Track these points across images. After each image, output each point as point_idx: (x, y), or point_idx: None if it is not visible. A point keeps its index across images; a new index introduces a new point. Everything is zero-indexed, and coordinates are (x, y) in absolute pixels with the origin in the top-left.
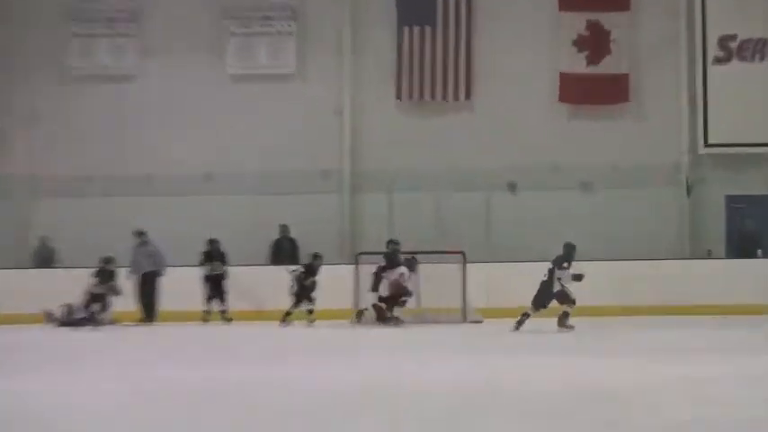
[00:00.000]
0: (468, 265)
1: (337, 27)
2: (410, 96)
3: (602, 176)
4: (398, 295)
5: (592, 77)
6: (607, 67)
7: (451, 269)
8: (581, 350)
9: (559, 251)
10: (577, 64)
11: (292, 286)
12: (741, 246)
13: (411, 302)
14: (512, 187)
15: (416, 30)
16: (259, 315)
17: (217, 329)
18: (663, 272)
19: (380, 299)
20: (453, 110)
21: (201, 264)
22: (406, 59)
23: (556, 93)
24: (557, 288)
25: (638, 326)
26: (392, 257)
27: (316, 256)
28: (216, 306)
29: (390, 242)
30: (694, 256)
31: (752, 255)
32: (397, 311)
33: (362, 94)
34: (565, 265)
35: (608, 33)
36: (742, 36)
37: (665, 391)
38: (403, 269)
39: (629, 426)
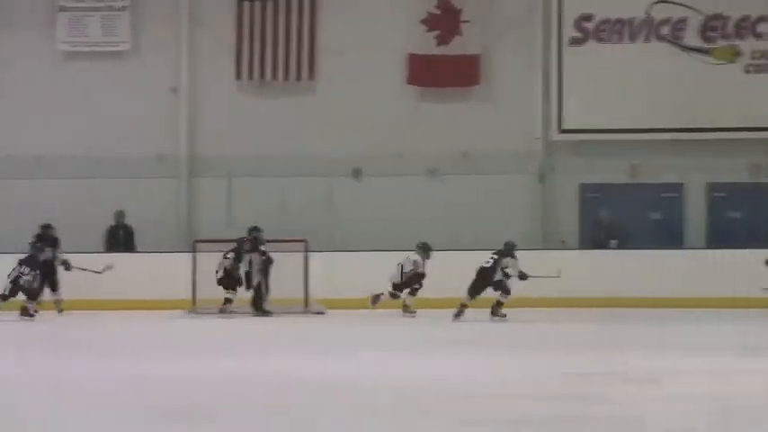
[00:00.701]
0: (310, 253)
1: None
2: (250, 76)
3: (451, 162)
4: (412, 282)
5: (441, 59)
6: (458, 47)
7: (293, 258)
8: (427, 343)
9: (408, 239)
10: (427, 44)
11: (218, 272)
12: (595, 236)
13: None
14: (356, 173)
15: (257, 4)
16: (90, 304)
17: (43, 320)
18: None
19: (395, 286)
20: (296, 91)
21: (31, 249)
22: (247, 36)
23: (404, 74)
24: (498, 277)
25: (485, 318)
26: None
27: (250, 236)
28: (48, 295)
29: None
30: (547, 246)
31: (606, 245)
32: (409, 300)
33: (201, 72)
34: (515, 255)
35: (459, 12)
36: (599, 16)
37: (510, 386)
38: (416, 257)
39: (484, 422)
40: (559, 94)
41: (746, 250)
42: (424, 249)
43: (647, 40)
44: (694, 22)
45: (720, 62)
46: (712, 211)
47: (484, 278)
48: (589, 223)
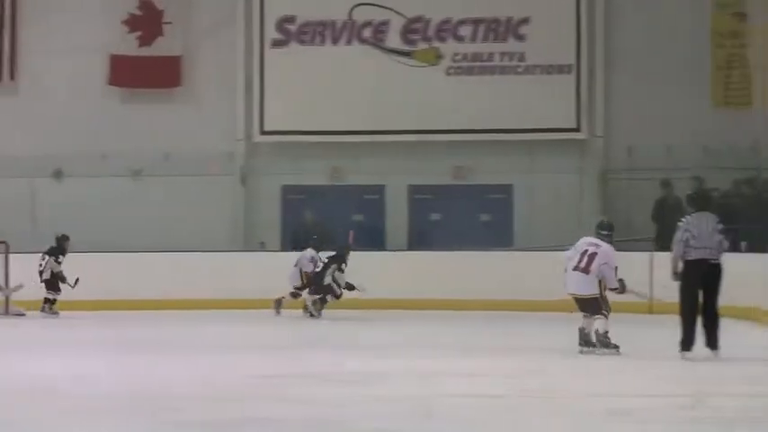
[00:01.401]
0: (11, 255)
1: None
2: None
3: (154, 163)
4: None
5: (143, 60)
6: (160, 48)
7: None
8: (134, 345)
9: (111, 240)
10: (129, 45)
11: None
12: (297, 238)
13: None
14: (57, 174)
15: None
16: None
17: None
18: (216, 263)
19: (297, 287)
20: None
21: None
22: None
23: (107, 75)
24: (327, 281)
25: (191, 319)
26: None
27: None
28: None
29: None
30: (248, 247)
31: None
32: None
33: None
34: (343, 266)
35: (161, 14)
36: (302, 18)
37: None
38: (314, 254)
39: (194, 422)
40: (261, 95)
41: (447, 252)
42: (318, 246)
43: (349, 42)
44: (396, 24)
45: (422, 64)
46: (414, 213)
47: (316, 282)
48: (291, 225)
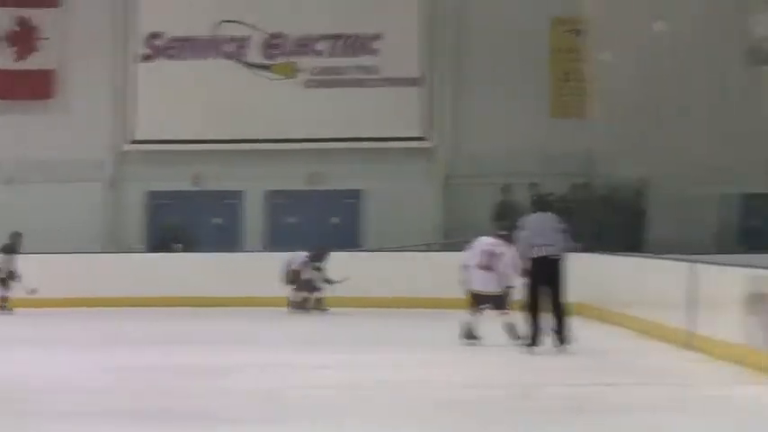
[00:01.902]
0: None
1: None
2: None
3: (28, 171)
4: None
5: (19, 73)
6: (35, 62)
7: None
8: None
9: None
10: (6, 59)
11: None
12: (162, 240)
13: None
14: None
15: None
16: None
17: None
18: (87, 265)
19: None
20: None
21: None
22: None
23: None
24: (305, 276)
25: (59, 317)
26: None
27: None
28: None
29: None
30: (119, 249)
31: (171, 249)
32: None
33: None
34: (318, 264)
35: (36, 29)
36: (169, 34)
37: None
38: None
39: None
40: (130, 107)
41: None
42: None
43: (213, 57)
44: (257, 40)
45: (280, 77)
46: (270, 217)
47: (295, 278)
48: (157, 228)
